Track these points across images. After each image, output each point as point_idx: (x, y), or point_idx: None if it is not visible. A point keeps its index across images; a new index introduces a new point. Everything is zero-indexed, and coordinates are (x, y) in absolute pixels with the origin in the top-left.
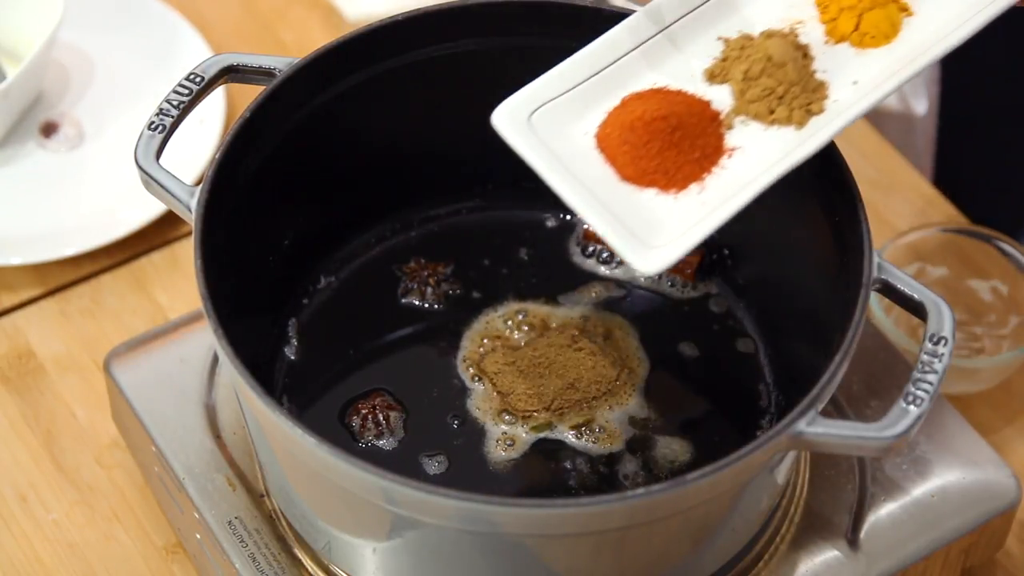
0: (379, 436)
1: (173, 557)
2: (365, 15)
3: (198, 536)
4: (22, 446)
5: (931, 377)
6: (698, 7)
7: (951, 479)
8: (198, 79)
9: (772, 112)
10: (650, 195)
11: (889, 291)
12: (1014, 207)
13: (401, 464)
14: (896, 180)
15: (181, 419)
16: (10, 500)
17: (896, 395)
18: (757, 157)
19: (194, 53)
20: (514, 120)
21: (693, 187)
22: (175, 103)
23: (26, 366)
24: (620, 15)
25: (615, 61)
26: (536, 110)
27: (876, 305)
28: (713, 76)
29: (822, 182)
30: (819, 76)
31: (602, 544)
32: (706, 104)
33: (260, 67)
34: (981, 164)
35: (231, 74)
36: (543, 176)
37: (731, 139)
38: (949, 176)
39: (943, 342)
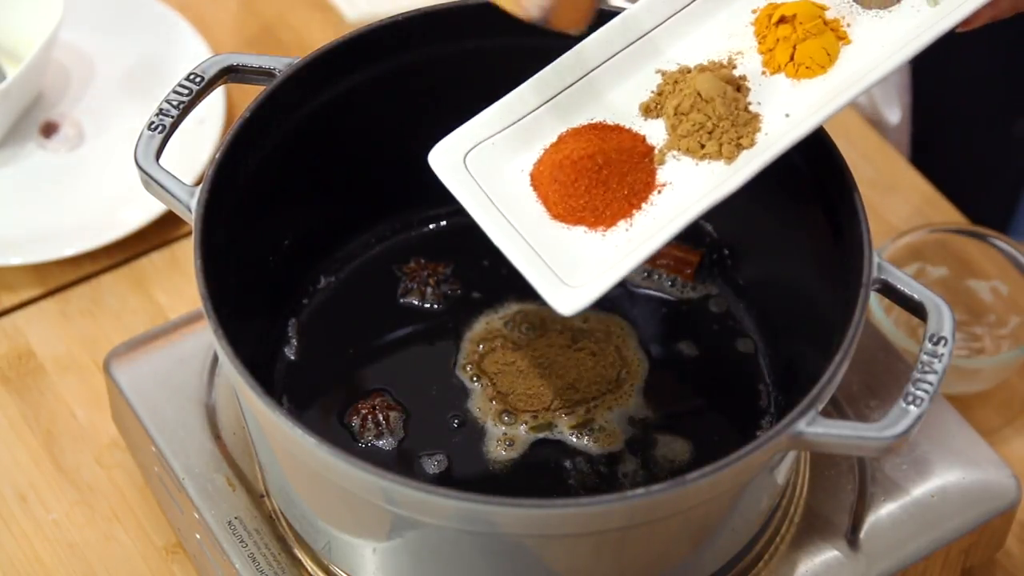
0: (379, 436)
1: (173, 557)
2: (365, 15)
3: (198, 536)
4: (22, 446)
5: (931, 377)
6: (639, 39)
7: (951, 479)
8: (198, 79)
9: (703, 147)
10: (578, 233)
11: (889, 291)
12: (990, 213)
13: (401, 464)
14: (896, 180)
15: (181, 419)
16: (10, 500)
17: (896, 395)
18: (686, 192)
19: (194, 53)
20: (449, 160)
21: (621, 224)
22: (175, 103)
23: (26, 366)
24: (619, 15)
25: (553, 97)
26: (472, 149)
27: (876, 305)
28: (648, 110)
29: (822, 182)
30: (753, 108)
31: (602, 544)
32: (641, 139)
33: (260, 67)
34: (955, 171)
35: (231, 74)
36: (472, 215)
37: (662, 175)
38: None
39: (943, 342)
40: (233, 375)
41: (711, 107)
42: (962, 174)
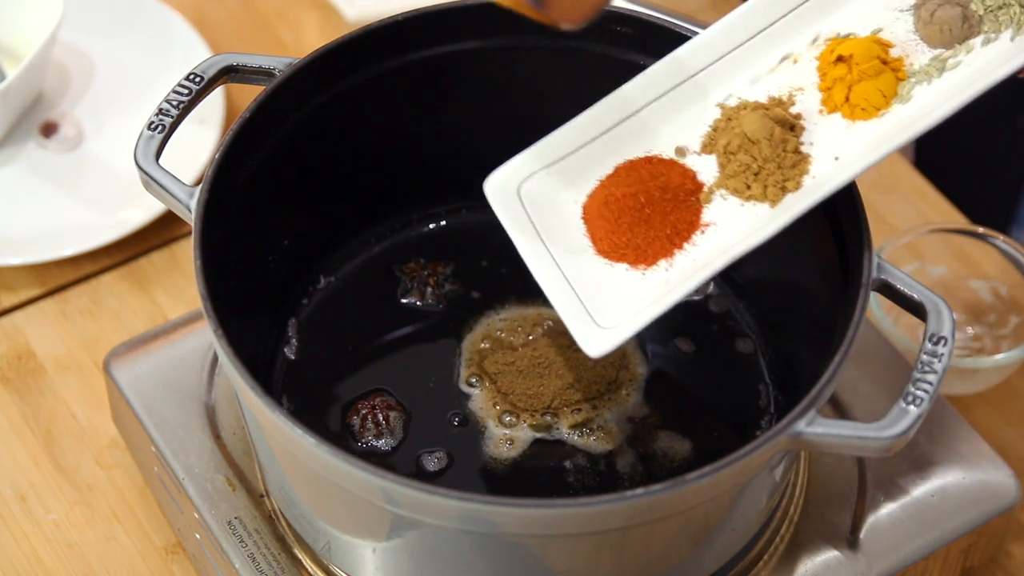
0: (379, 436)
1: (173, 557)
2: (365, 15)
3: (198, 536)
4: (22, 446)
5: (931, 377)
6: (702, 70)
7: (951, 479)
8: (198, 79)
9: (748, 188)
10: (620, 271)
11: (889, 291)
12: (990, 213)
13: (401, 464)
14: (896, 180)
15: (181, 419)
16: (10, 500)
17: (896, 395)
18: (729, 234)
19: (194, 53)
20: (504, 190)
21: (662, 263)
22: (175, 103)
23: (26, 366)
24: (619, 15)
25: (611, 128)
26: (527, 179)
27: (876, 305)
28: (704, 146)
29: None
30: (804, 149)
31: (602, 544)
32: (691, 175)
33: (260, 67)
34: (957, 171)
35: (231, 74)
36: (518, 248)
37: (709, 214)
38: (930, 181)
39: (943, 342)
40: (233, 375)
41: (757, 148)
42: (963, 174)
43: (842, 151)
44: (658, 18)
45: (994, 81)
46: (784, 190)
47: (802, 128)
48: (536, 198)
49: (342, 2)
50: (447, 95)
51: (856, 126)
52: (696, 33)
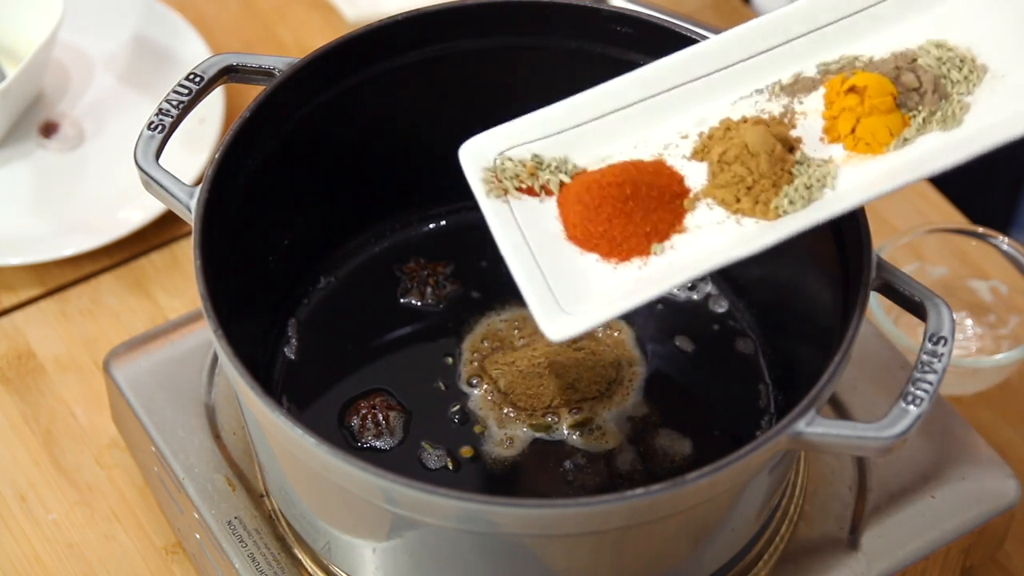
0: (379, 436)
1: (173, 557)
2: (365, 15)
3: (198, 536)
4: (22, 446)
5: (931, 377)
6: (702, 77)
7: (951, 479)
8: (198, 79)
9: (738, 201)
10: (590, 260)
11: (889, 291)
12: (990, 213)
13: (401, 464)
14: None
15: (181, 419)
16: (10, 500)
17: (896, 395)
18: (709, 243)
19: (194, 53)
20: (481, 157)
21: (636, 261)
22: (175, 103)
23: (26, 366)
24: (619, 15)
25: (605, 115)
26: (509, 149)
27: (876, 305)
28: (695, 152)
29: None
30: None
31: (602, 544)
32: (679, 179)
33: (260, 67)
34: (956, 171)
35: (231, 74)
36: (487, 219)
37: (690, 220)
38: (930, 181)
39: (943, 342)
40: (233, 375)
41: (755, 162)
42: (962, 174)
43: (840, 181)
44: (658, 18)
45: (1003, 141)
46: (776, 208)
47: (799, 151)
48: (514, 171)
49: (342, 2)
50: (447, 95)
51: (856, 159)
52: (697, 34)
